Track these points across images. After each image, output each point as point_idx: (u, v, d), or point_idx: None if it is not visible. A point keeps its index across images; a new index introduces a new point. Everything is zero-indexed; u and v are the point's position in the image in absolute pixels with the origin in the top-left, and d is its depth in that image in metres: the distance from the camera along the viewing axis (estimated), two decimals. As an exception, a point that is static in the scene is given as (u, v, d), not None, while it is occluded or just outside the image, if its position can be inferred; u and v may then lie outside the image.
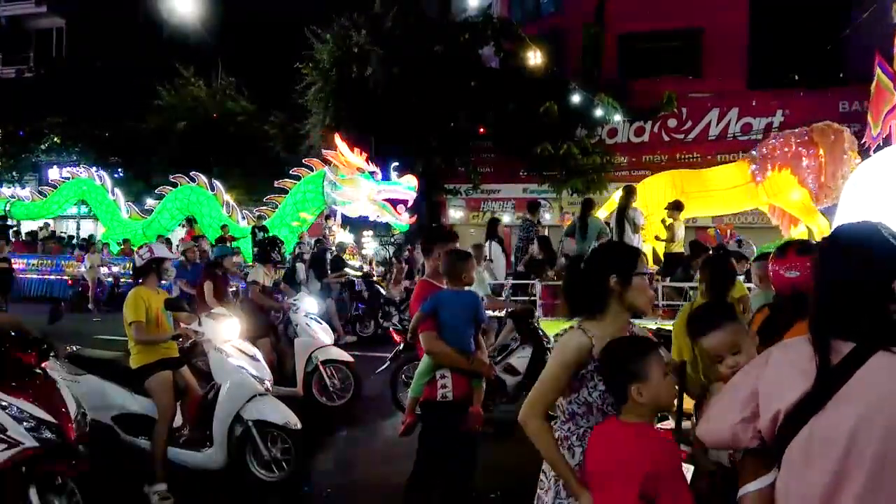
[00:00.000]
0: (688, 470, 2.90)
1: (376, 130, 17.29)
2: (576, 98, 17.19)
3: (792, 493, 1.54)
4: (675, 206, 9.90)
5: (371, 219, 15.91)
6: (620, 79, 19.15)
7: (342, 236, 16.06)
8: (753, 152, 12.74)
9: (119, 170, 21.84)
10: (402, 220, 15.49)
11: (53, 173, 25.28)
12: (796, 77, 18.59)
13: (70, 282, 15.97)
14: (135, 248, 7.43)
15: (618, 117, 18.47)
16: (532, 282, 8.61)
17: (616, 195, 12.97)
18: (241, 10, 22.20)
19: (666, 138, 19.50)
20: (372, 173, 15.32)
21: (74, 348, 5.14)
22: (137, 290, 4.72)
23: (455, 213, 21.70)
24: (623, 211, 9.06)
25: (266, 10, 22.63)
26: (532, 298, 8.33)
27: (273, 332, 7.27)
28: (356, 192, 15.25)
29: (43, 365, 4.70)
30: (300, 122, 19.46)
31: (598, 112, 17.66)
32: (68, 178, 19.71)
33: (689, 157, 18.98)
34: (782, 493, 1.57)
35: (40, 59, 28.14)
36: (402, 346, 6.57)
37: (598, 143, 18.81)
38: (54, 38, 29.06)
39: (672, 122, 19.32)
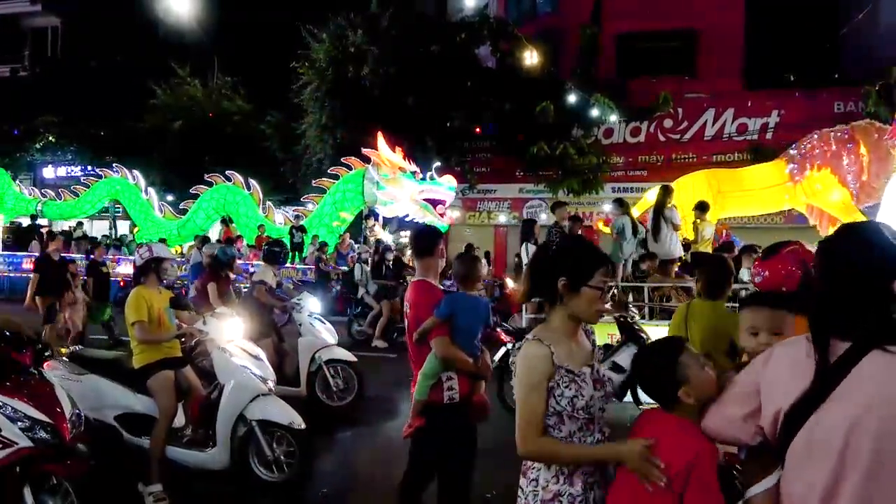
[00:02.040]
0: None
1: (372, 130, 17.28)
2: (572, 98, 17.22)
3: (794, 492, 1.55)
4: (701, 207, 9.80)
5: (411, 219, 15.68)
6: (617, 79, 19.18)
7: (382, 237, 15.92)
8: (791, 151, 12.39)
9: (96, 169, 21.74)
10: (442, 220, 15.28)
11: (48, 172, 25.20)
12: (792, 78, 18.66)
13: (122, 283, 15.29)
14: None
15: (614, 117, 18.50)
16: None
17: (649, 194, 12.98)
18: (237, 10, 22.16)
19: (662, 138, 19.54)
20: (413, 173, 15.12)
21: (77, 348, 5.10)
22: (139, 289, 4.70)
23: (451, 213, 21.70)
24: (660, 210, 8.98)
25: (262, 10, 22.60)
26: None
27: (276, 332, 7.23)
28: (399, 192, 15.04)
29: (45, 365, 4.70)
30: (296, 121, 19.44)
31: (595, 112, 17.69)
32: (100, 178, 19.33)
33: (686, 157, 19.04)
34: (786, 491, 1.58)
35: (35, 57, 28.05)
36: (511, 346, 6.57)
37: (595, 143, 18.85)
38: (49, 36, 28.96)
39: (668, 123, 19.38)
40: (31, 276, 8.76)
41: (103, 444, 4.51)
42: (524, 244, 9.21)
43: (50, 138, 24.26)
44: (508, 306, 11.55)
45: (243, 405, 4.63)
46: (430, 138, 17.69)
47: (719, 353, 3.60)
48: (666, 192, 9.13)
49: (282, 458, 4.69)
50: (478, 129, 18.95)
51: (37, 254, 17.09)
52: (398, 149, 15.20)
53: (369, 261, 12.00)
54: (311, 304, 7.39)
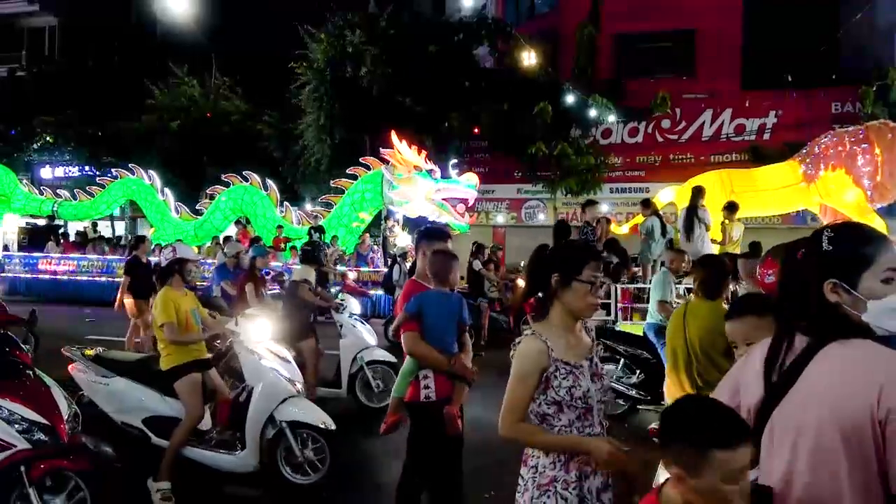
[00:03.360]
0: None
1: (370, 130, 17.26)
2: (570, 98, 17.23)
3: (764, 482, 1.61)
4: (730, 208, 9.75)
5: (430, 219, 15.27)
6: (615, 79, 19.19)
7: (403, 237, 15.71)
8: (805, 151, 12.27)
9: (112, 170, 21.70)
10: (461, 221, 14.78)
11: (45, 172, 25.14)
12: (789, 78, 18.68)
13: None
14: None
15: (612, 118, 18.51)
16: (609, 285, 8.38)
17: (660, 194, 12.97)
18: (234, 10, 22.14)
19: (660, 139, 19.54)
20: (430, 171, 14.73)
21: (100, 349, 5.02)
22: (166, 291, 4.66)
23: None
24: (693, 210, 8.96)
25: (260, 10, 22.59)
26: (605, 302, 8.16)
27: (315, 333, 7.13)
28: (413, 192, 14.65)
29: (70, 367, 4.66)
30: (294, 121, 19.41)
31: (593, 112, 17.70)
32: (116, 178, 18.96)
33: (683, 157, 19.04)
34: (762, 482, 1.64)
35: (33, 57, 27.98)
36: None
37: (592, 143, 18.85)
38: (47, 36, 28.92)
39: (666, 123, 19.37)
40: (122, 278, 8.76)
41: (131, 447, 4.50)
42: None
43: (47, 138, 24.16)
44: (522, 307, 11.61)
45: (273, 407, 4.60)
46: (428, 138, 17.68)
47: (717, 353, 3.61)
48: (698, 193, 9.09)
49: (310, 461, 4.67)
50: (476, 130, 18.94)
51: (53, 255, 17.19)
52: (414, 147, 14.84)
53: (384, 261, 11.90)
54: (353, 305, 7.35)
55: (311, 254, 7.51)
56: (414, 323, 3.43)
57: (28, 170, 25.44)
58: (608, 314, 8.04)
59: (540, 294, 2.36)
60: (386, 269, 14.63)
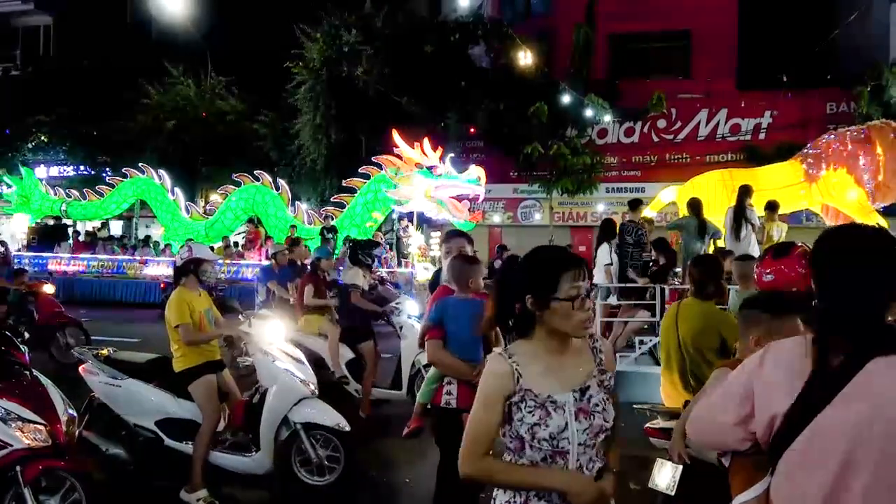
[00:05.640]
0: (666, 465, 2.92)
1: (366, 130, 17.25)
2: (566, 98, 17.26)
3: (790, 498, 1.50)
4: (771, 207, 9.55)
5: (432, 217, 15.21)
6: (610, 79, 19.24)
7: (416, 237, 15.57)
8: (807, 151, 12.20)
9: (108, 169, 21.61)
10: (460, 217, 14.22)
11: (40, 172, 25.08)
12: (784, 78, 18.76)
13: (164, 285, 14.65)
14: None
15: (608, 118, 18.56)
16: (651, 286, 8.18)
17: (661, 194, 12.95)
18: (230, 9, 22.09)
19: (655, 139, 19.60)
20: (430, 168, 14.43)
21: (111, 350, 4.96)
22: (180, 292, 4.58)
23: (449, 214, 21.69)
24: (741, 210, 8.93)
25: (256, 9, 22.54)
26: (651, 303, 7.99)
27: (373, 335, 7.04)
28: (412, 190, 14.46)
29: (81, 369, 4.64)
30: (290, 121, 19.39)
31: (589, 112, 17.74)
32: (126, 177, 18.80)
33: (679, 157, 19.11)
34: (779, 498, 1.52)
35: (27, 57, 27.87)
36: None
37: (588, 143, 18.89)
38: (41, 35, 28.81)
39: (662, 123, 19.44)
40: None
41: (144, 449, 4.49)
42: (602, 245, 8.85)
43: (42, 138, 24.06)
44: None
45: (287, 408, 4.59)
46: (425, 139, 17.71)
47: (709, 352, 3.64)
48: (745, 193, 9.02)
49: (324, 462, 4.65)
50: (472, 129, 18.96)
51: (64, 254, 17.08)
52: (417, 144, 14.62)
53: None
54: (409, 307, 7.25)
55: (354, 256, 7.27)
56: (437, 331, 3.38)
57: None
58: (653, 315, 7.74)
59: (510, 321, 1.99)
60: (399, 270, 14.68)
